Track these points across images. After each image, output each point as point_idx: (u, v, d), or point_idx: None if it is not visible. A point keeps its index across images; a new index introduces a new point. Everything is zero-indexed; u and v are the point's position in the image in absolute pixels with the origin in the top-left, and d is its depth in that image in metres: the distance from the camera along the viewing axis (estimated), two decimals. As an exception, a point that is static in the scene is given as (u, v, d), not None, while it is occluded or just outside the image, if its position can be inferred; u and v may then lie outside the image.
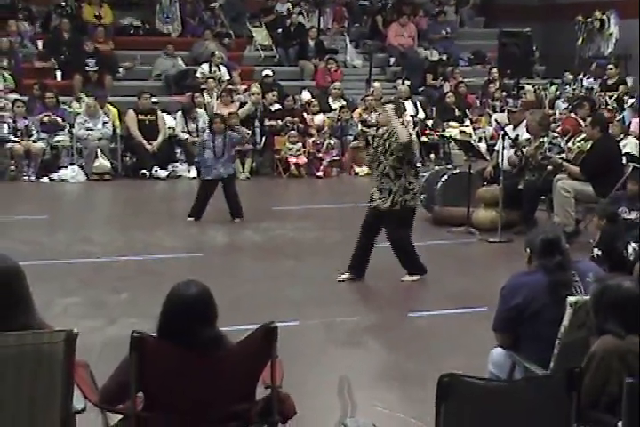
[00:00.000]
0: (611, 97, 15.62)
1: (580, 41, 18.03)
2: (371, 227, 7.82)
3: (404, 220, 7.73)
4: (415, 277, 7.91)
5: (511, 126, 10.53)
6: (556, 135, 10.43)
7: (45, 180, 13.04)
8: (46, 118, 13.51)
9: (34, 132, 13.30)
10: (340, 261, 8.16)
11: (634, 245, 7.78)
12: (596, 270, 4.53)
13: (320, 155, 14.07)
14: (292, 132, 14.02)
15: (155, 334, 3.69)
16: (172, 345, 3.65)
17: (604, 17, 17.65)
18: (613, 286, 3.61)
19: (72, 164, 13.32)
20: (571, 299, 4.21)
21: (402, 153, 7.61)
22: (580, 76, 16.72)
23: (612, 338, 3.57)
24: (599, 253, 7.71)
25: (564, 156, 9.83)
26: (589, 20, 17.83)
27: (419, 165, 13.87)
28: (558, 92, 16.63)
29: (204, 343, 3.66)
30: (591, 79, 16.48)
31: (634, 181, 8.43)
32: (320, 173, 13.88)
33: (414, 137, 14.44)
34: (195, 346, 3.64)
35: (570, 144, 10.51)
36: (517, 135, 10.11)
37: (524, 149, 9.84)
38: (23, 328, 3.62)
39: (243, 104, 14.54)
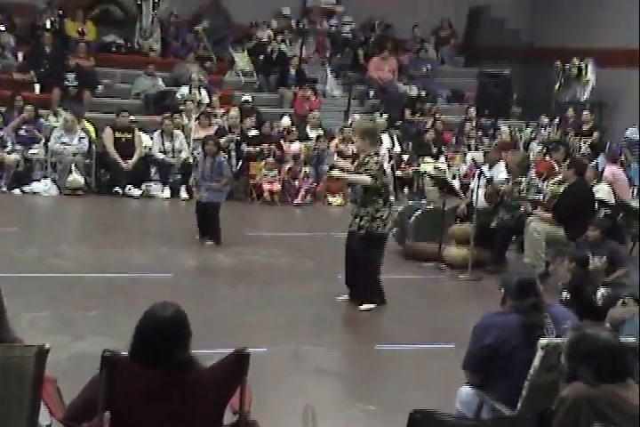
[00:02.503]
0: (585, 142, 15.87)
1: (557, 86, 18.31)
2: (348, 251, 8.03)
3: (372, 246, 7.90)
4: (372, 306, 7.98)
5: (487, 166, 10.64)
6: (534, 177, 10.56)
7: (17, 192, 12.92)
8: (21, 131, 13.43)
9: (9, 143, 13.21)
10: (311, 288, 8.18)
11: (603, 290, 7.90)
12: (572, 317, 4.57)
13: (295, 183, 14.10)
14: (269, 159, 14.04)
15: (125, 353, 3.67)
16: (143, 366, 3.64)
17: (582, 64, 17.94)
18: (591, 336, 3.66)
19: (45, 177, 13.21)
20: (542, 341, 4.24)
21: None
22: (556, 121, 16.98)
23: (584, 385, 3.60)
24: (568, 296, 7.82)
25: (540, 197, 9.94)
26: (567, 66, 18.12)
27: (391, 197, 14.20)
28: (533, 135, 16.84)
29: (176, 366, 3.66)
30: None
31: (594, 227, 8.57)
32: (299, 200, 13.88)
33: (388, 169, 14.76)
34: (166, 368, 3.63)
35: (543, 186, 10.63)
36: (492, 176, 10.21)
37: (501, 187, 9.95)
38: (-5, 341, 3.60)
39: (220, 128, 14.56)
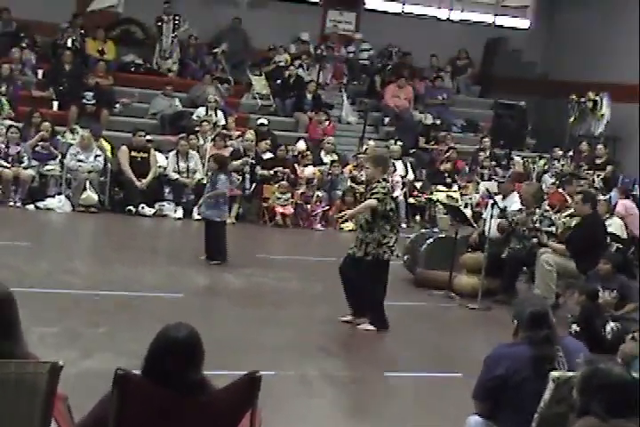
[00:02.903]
0: (598, 176, 15.88)
1: (571, 119, 18.36)
2: (344, 272, 8.15)
3: (377, 271, 8.01)
4: (372, 328, 8.06)
5: (500, 196, 10.66)
6: (548, 208, 10.57)
7: (31, 207, 12.99)
8: (38, 148, 13.53)
9: (25, 159, 13.30)
10: (320, 312, 8.18)
11: (612, 324, 7.89)
12: (584, 350, 4.56)
13: (308, 207, 14.15)
14: (283, 182, 14.10)
15: (138, 372, 3.68)
16: (156, 385, 3.64)
17: (598, 98, 18.00)
18: (604, 370, 3.65)
19: (60, 193, 13.28)
20: (554, 374, 4.23)
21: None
22: (570, 154, 17.02)
23: (595, 419, 3.60)
24: (577, 328, 7.81)
25: (553, 229, 9.94)
26: (583, 99, 18.18)
27: (403, 224, 14.24)
28: (546, 167, 16.86)
29: (189, 386, 3.66)
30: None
31: (605, 260, 8.59)
32: (319, 226, 13.93)
33: (401, 197, 14.81)
34: (179, 388, 3.63)
35: (556, 219, 10.63)
36: (505, 206, 10.22)
37: (515, 217, 9.97)
38: (8, 356, 3.60)
39: (235, 150, 14.64)
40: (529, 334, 4.48)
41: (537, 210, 10.04)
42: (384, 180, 8.20)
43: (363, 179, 14.62)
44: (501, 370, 4.41)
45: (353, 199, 13.93)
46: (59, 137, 14.17)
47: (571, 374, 4.13)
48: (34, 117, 14.07)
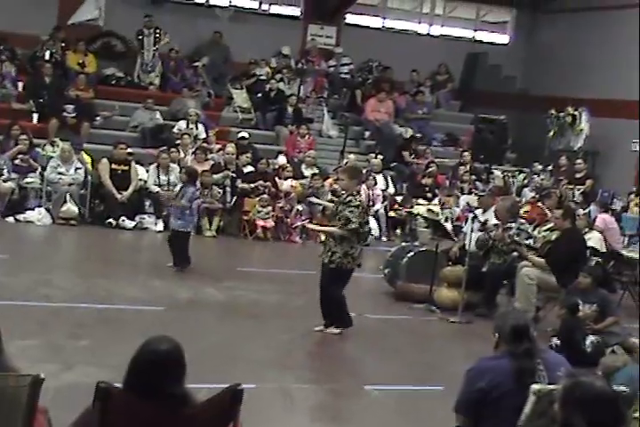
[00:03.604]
0: (578, 190, 15.99)
1: (551, 133, 18.49)
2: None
3: (339, 278, 8.26)
4: (337, 331, 8.26)
5: (480, 210, 10.71)
6: (523, 221, 10.63)
7: (11, 219, 12.93)
8: (17, 160, 13.47)
9: (5, 171, 13.25)
10: (300, 325, 8.17)
11: (592, 337, 7.93)
12: (566, 364, 4.58)
13: (288, 220, 14.15)
14: (264, 196, 14.10)
15: (119, 385, 3.66)
16: (138, 399, 3.63)
17: (576, 113, 18.16)
18: (586, 383, 3.66)
19: (39, 206, 13.24)
20: (534, 387, 4.25)
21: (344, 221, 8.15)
22: (550, 168, 17.14)
23: (576, 433, 3.61)
24: (557, 342, 7.85)
25: (531, 242, 10.00)
26: (562, 114, 18.32)
27: (383, 238, 14.27)
28: (526, 181, 16.96)
29: (171, 400, 3.65)
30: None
31: (585, 274, 8.65)
32: (298, 240, 13.93)
33: (381, 210, 14.83)
34: (162, 402, 3.62)
35: (535, 232, 10.69)
36: (486, 219, 10.27)
37: (492, 233, 10.02)
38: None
39: (217, 163, 14.64)
40: (510, 347, 4.49)
41: (512, 224, 10.09)
42: (357, 192, 8.45)
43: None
44: (483, 383, 4.42)
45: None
46: (38, 149, 14.13)
47: (552, 387, 4.14)
48: (13, 130, 14.03)
